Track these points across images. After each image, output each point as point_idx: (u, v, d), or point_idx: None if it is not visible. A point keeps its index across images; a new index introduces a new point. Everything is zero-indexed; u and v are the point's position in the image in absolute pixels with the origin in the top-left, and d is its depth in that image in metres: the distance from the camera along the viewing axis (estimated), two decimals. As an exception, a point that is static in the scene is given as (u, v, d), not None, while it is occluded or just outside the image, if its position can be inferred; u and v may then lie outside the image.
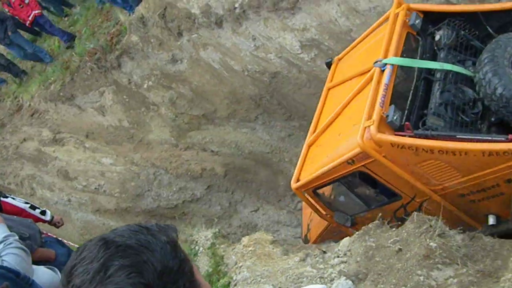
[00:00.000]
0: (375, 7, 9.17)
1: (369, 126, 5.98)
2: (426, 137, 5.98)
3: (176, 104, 12.89)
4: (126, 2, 12.17)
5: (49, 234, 6.07)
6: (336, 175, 6.76)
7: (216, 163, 12.25)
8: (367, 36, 7.90)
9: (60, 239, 5.83)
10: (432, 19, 7.23)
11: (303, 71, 10.92)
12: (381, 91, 6.27)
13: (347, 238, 5.92)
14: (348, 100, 7.00)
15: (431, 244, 4.95)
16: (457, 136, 5.95)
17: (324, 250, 6.16)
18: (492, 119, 6.46)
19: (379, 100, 6.18)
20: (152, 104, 13.14)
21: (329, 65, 8.48)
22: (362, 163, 6.32)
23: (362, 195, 7.19)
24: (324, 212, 7.62)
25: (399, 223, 5.97)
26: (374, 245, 5.49)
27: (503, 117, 6.20)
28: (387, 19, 7.33)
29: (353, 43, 8.23)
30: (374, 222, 5.91)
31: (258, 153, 12.41)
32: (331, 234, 8.05)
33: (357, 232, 5.89)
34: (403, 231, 5.38)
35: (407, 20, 7.04)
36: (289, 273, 5.89)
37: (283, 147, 12.24)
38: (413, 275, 4.80)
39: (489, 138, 5.85)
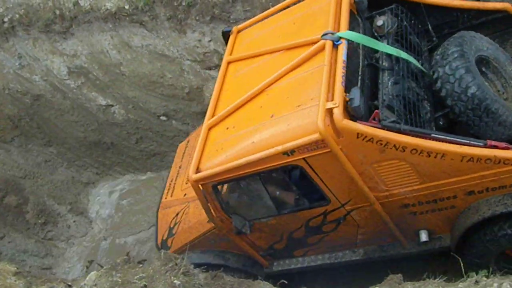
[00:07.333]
0: (147, 45, 9.40)
1: (332, 108, 4.76)
2: (398, 131, 4.95)
3: None
4: None
5: None
6: (259, 168, 5.45)
7: (-41, 183, 11.31)
8: (278, 11, 6.90)
9: None
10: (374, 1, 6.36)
11: (68, 97, 10.73)
12: (339, 69, 5.08)
13: (94, 272, 5.84)
14: (277, 77, 5.77)
15: (175, 281, 5.14)
16: (432, 135, 5.05)
17: (69, 283, 6.03)
18: (441, 122, 5.70)
19: (339, 79, 4.99)
20: None
21: (226, 35, 7.20)
22: (304, 155, 5.15)
23: (276, 196, 5.98)
24: (215, 214, 6.19)
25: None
26: (120, 280, 5.51)
27: (466, 120, 5.38)
28: None
29: (257, 16, 7.12)
30: (122, 258, 5.90)
31: (9, 177, 11.73)
32: (207, 242, 6.78)
33: (104, 267, 5.85)
34: (150, 268, 5.50)
35: None
36: (28, 307, 5.68)
37: (38, 173, 11.74)
38: (156, 311, 4.96)
39: (467, 141, 4.99)
